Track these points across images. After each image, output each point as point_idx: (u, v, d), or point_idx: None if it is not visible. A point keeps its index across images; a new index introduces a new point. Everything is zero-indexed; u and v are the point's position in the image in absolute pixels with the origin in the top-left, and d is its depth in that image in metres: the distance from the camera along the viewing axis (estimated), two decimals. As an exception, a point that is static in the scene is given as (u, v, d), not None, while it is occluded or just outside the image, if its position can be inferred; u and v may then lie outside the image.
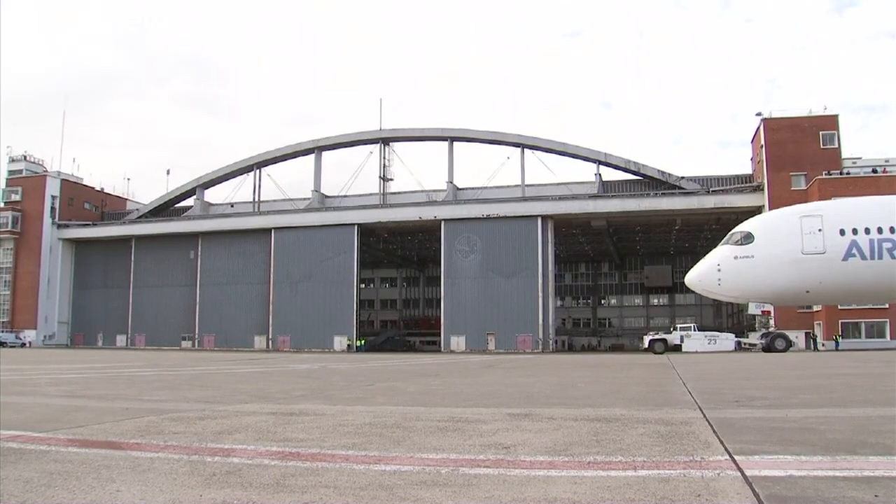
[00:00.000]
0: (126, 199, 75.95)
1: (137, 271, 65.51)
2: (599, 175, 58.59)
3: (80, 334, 67.29)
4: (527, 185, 59.11)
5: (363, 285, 72.36)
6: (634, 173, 58.60)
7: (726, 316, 73.79)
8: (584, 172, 61.03)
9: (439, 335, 57.36)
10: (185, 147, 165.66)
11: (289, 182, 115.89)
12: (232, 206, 67.11)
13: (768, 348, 27.98)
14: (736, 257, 23.17)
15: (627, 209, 54.70)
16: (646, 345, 40.46)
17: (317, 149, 64.40)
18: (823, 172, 47.66)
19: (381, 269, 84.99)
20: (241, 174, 66.70)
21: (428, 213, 57.86)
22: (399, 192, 64.56)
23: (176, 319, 63.14)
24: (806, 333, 46.24)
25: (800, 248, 22.00)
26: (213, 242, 63.45)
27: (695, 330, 41.69)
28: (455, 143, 61.38)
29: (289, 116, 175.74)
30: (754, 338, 39.49)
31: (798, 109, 53.38)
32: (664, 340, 39.68)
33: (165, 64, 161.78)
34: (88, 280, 67.78)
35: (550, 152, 59.67)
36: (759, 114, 53.13)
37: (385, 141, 63.68)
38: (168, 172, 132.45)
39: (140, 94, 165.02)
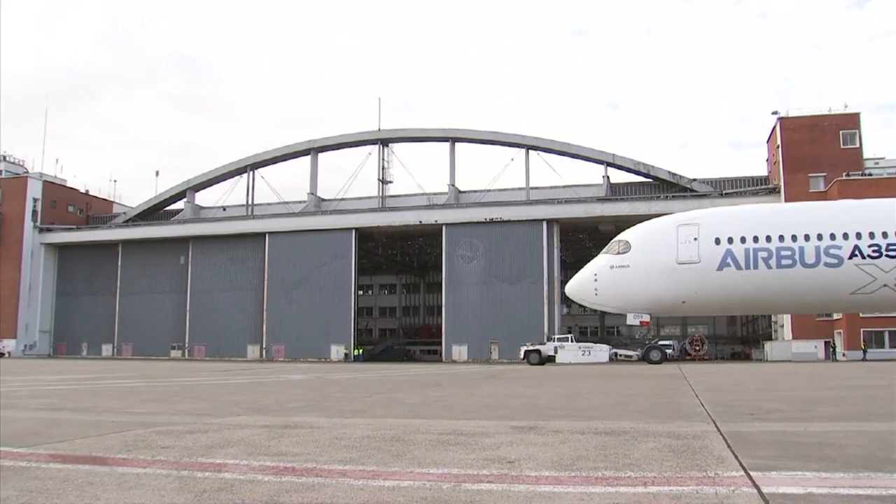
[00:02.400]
0: (112, 202, 75.97)
1: (124, 278, 65.50)
2: (607, 177, 58.60)
3: (63, 344, 67.17)
4: (531, 188, 59.13)
5: (361, 292, 72.36)
6: (644, 175, 58.62)
7: (740, 324, 73.68)
8: (591, 175, 61.15)
9: (440, 344, 57.29)
10: (175, 148, 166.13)
11: (284, 185, 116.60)
12: (224, 209, 67.16)
13: (644, 359, 28.38)
14: (612, 267, 23.63)
15: (637, 213, 54.67)
16: (521, 355, 41.45)
17: (313, 150, 64.50)
18: (844, 173, 47.60)
19: (380, 275, 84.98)
20: (234, 176, 66.81)
21: (429, 217, 57.89)
22: (398, 196, 64.58)
23: (165, 328, 63.10)
24: (825, 342, 46.15)
25: (675, 258, 22.47)
26: (205, 247, 63.48)
27: (572, 340, 42.39)
28: (457, 145, 61.46)
29: (284, 117, 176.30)
30: (630, 349, 42.15)
31: (816, 108, 53.32)
32: (538, 351, 40.23)
33: (155, 62, 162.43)
34: (72, 287, 67.71)
35: (556, 153, 59.72)
36: (775, 112, 53.17)
37: (384, 142, 63.79)
38: (157, 174, 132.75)
39: (128, 93, 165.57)
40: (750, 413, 6.58)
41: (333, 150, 66.63)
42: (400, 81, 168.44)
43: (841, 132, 50.60)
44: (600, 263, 24.46)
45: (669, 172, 57.03)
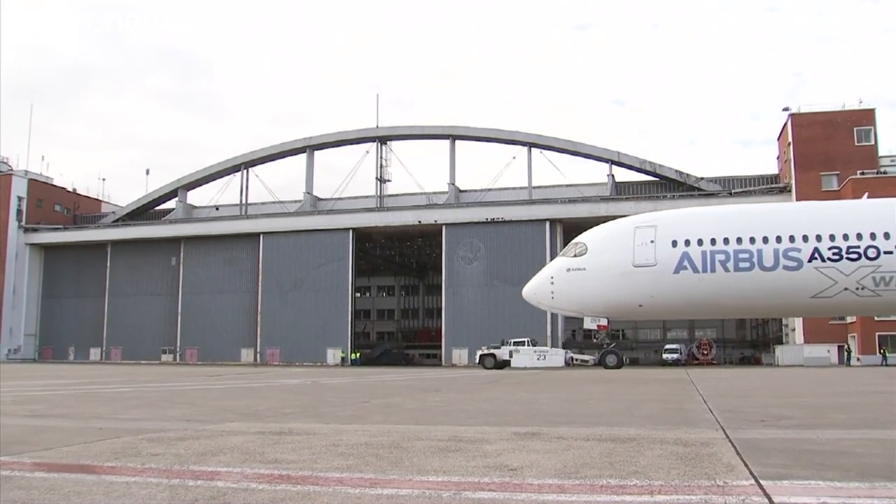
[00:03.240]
0: (101, 201, 75.97)
1: (113, 279, 65.51)
2: (612, 176, 58.65)
3: (49, 348, 67.09)
4: (534, 187, 59.19)
5: (358, 294, 72.36)
6: (650, 174, 58.66)
7: (750, 328, 73.66)
8: (596, 173, 61.35)
9: (440, 348, 57.34)
10: (166, 146, 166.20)
11: (278, 183, 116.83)
12: (217, 208, 67.20)
13: (600, 364, 28.82)
14: (569, 269, 23.87)
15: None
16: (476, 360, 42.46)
17: (309, 147, 64.55)
18: (858, 171, 47.54)
19: (378, 276, 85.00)
20: (227, 175, 66.87)
21: (428, 217, 57.91)
22: (397, 195, 64.62)
23: (155, 331, 63.11)
24: (839, 347, 46.13)
25: (631, 261, 22.64)
26: (197, 248, 63.51)
27: (528, 344, 42.99)
28: (457, 142, 61.53)
29: (278, 115, 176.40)
30: (587, 354, 42.77)
31: (829, 104, 53.22)
32: (493, 355, 41.11)
33: (145, 57, 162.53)
34: (59, 289, 67.66)
35: (559, 152, 59.78)
36: (786, 108, 53.14)
37: (382, 139, 63.83)
38: (147, 173, 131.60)
39: (117, 89, 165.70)
40: (760, 419, 6.56)
41: (330, 147, 66.68)
42: (398, 77, 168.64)
43: (855, 129, 50.54)
44: (557, 266, 24.76)
45: (676, 171, 57.08)
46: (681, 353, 60.66)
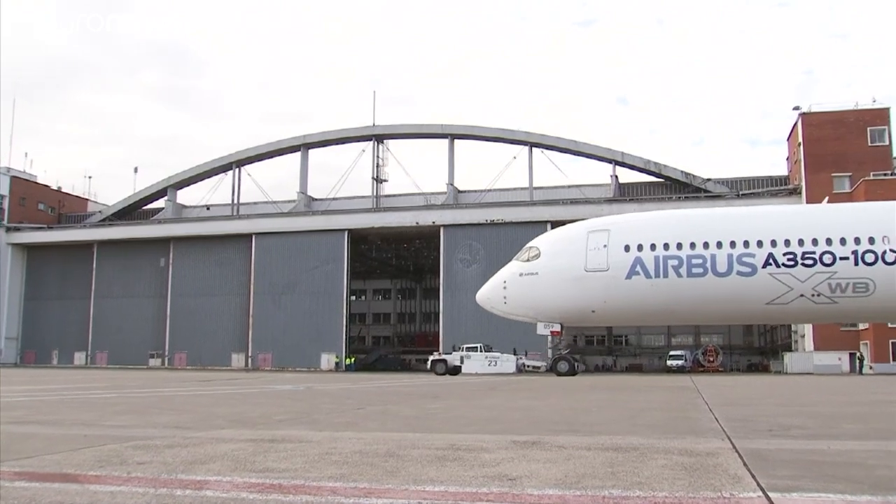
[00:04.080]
0: (87, 200, 75.92)
1: (100, 281, 65.45)
2: (616, 177, 58.78)
3: (31, 352, 66.89)
4: (535, 188, 59.28)
5: (354, 297, 72.38)
6: (655, 175, 58.78)
7: (757, 334, 73.76)
8: (599, 174, 61.53)
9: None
10: (156, 143, 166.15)
11: (272, 183, 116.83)
12: (208, 208, 67.20)
13: (551, 370, 29.05)
14: (521, 274, 24.13)
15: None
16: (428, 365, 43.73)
17: (303, 146, 64.61)
18: (871, 173, 47.58)
19: (374, 279, 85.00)
20: (219, 173, 66.90)
21: (426, 218, 57.94)
22: (394, 195, 64.69)
23: (143, 335, 63.05)
24: (850, 354, 46.14)
25: (583, 265, 22.76)
26: (187, 249, 63.49)
27: (481, 350, 44.10)
28: (456, 142, 61.63)
29: (272, 111, 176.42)
30: (538, 360, 43.84)
31: (841, 103, 53.27)
32: (444, 361, 42.35)
33: (134, 52, 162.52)
34: (42, 290, 67.50)
35: (561, 151, 59.89)
36: (796, 108, 53.26)
37: (379, 138, 63.90)
38: (136, 171, 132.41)
39: (105, 84, 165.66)
40: (768, 429, 6.56)
41: (325, 146, 66.73)
42: (396, 75, 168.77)
43: (868, 129, 50.57)
44: (510, 270, 25.02)
45: (682, 172, 57.19)
46: (686, 360, 60.73)
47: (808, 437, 5.98)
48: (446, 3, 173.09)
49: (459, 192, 62.24)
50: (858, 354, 46.23)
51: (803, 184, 50.63)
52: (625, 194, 58.56)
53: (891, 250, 20.91)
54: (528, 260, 24.31)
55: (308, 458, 4.55)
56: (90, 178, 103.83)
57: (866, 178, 46.86)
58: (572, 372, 26.64)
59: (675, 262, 22.21)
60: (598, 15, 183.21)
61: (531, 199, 57.64)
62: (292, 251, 60.10)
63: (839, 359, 45.93)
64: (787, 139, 57.82)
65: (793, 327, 53.60)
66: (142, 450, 4.91)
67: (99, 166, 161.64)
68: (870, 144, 50.16)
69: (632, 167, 58.82)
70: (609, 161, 58.75)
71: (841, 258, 21.16)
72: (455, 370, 41.32)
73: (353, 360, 59.65)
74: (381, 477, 3.86)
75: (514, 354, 44.19)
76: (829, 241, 21.39)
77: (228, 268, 62.37)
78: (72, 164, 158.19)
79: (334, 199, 64.53)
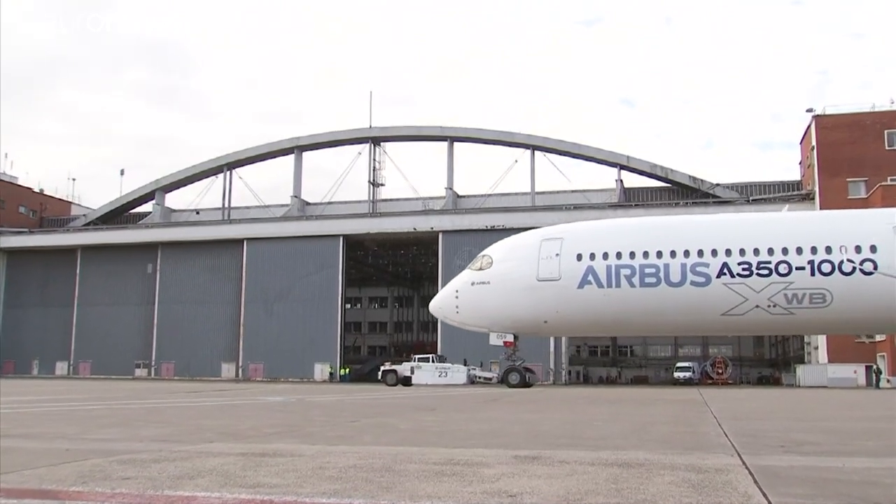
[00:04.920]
0: (71, 203, 75.91)
1: (83, 287, 65.36)
2: (621, 181, 58.91)
3: (10, 361, 66.53)
4: (537, 193, 59.38)
5: (349, 306, 72.34)
6: (661, 179, 58.91)
7: (769, 346, 73.77)
8: (603, 178, 61.54)
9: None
10: (143, 144, 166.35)
11: (264, 186, 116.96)
12: (197, 212, 67.22)
13: (502, 382, 29.39)
14: (473, 283, 24.44)
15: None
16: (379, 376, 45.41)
17: (297, 148, 64.71)
18: (888, 178, 47.62)
19: (370, 287, 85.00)
20: (209, 176, 66.99)
21: (424, 224, 58.01)
22: (391, 200, 64.81)
23: (129, 344, 62.97)
24: (867, 367, 46.10)
25: (536, 274, 22.94)
26: (175, 254, 63.48)
27: (433, 361, 45.49)
28: (455, 144, 61.78)
29: (265, 112, 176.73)
30: (490, 371, 45.51)
31: (856, 104, 53.25)
32: (395, 371, 44.01)
33: (121, 48, 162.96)
34: (23, 297, 67.33)
35: (564, 155, 60.04)
36: (810, 110, 53.40)
37: (375, 140, 64.03)
38: (122, 173, 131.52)
39: (90, 81, 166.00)
40: (780, 445, 6.55)
41: (320, 148, 66.85)
42: (394, 75, 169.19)
43: (886, 132, 50.61)
44: (462, 279, 25.30)
45: (690, 176, 57.32)
46: (693, 372, 60.73)
47: (822, 453, 5.97)
48: (446, 1, 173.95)
49: (459, 196, 62.31)
50: (875, 367, 46.18)
51: (817, 189, 50.69)
52: (630, 199, 58.66)
53: (848, 260, 21.06)
54: (480, 268, 24.59)
55: (300, 472, 4.54)
56: (74, 180, 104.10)
57: (883, 184, 46.87)
58: (523, 384, 26.76)
59: (628, 272, 22.44)
60: (602, 13, 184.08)
61: (533, 205, 57.73)
62: (285, 257, 60.11)
63: (855, 371, 45.88)
64: (800, 143, 57.98)
65: (806, 338, 53.61)
66: (126, 464, 4.90)
67: (83, 168, 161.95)
68: (887, 148, 50.21)
69: (637, 171, 58.93)
70: (614, 165, 58.88)
71: (797, 268, 21.32)
72: (406, 381, 42.42)
73: (347, 370, 59.59)
74: (377, 493, 3.85)
75: (465, 365, 45.68)
76: (784, 251, 21.55)
77: (219, 274, 62.34)
78: (55, 166, 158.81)
79: (329, 203, 64.59)
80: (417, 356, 46.57)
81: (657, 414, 11.94)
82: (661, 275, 22.13)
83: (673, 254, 22.22)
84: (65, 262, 66.03)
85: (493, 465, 4.90)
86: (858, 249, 21.11)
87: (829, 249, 21.26)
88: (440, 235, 57.39)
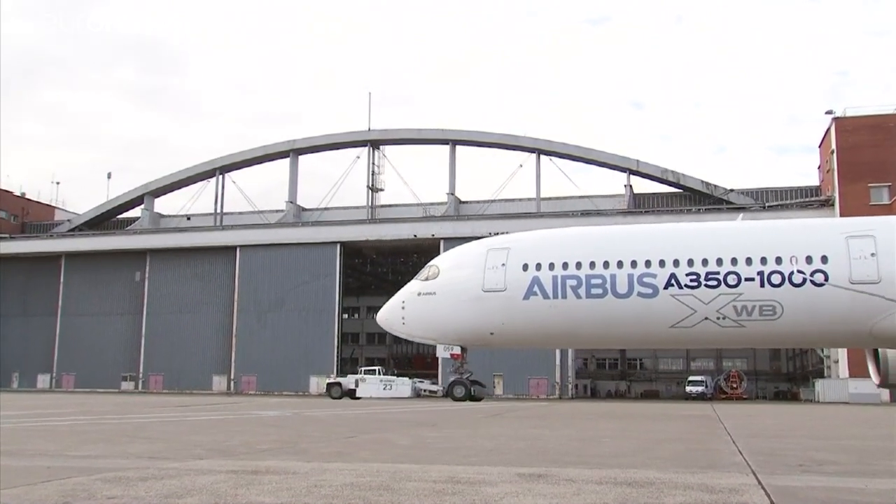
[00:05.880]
0: (55, 208, 76.03)
1: (68, 296, 65.43)
2: (630, 187, 59.00)
3: (-12, 374, 66.69)
4: (543, 199, 59.46)
5: (346, 316, 72.36)
6: (672, 185, 58.99)
7: (786, 359, 73.68)
8: (612, 184, 61.71)
9: (436, 377, 57.21)
10: (132, 146, 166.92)
11: (258, 191, 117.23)
12: (188, 218, 67.35)
13: (447, 395, 29.66)
14: (420, 294, 24.81)
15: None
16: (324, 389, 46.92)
17: (292, 151, 64.87)
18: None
19: (369, 296, 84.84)
20: (201, 180, 67.12)
21: (425, 231, 58.09)
22: (390, 206, 64.93)
23: (115, 356, 63.00)
24: None
25: (481, 285, 23.19)
26: (165, 262, 63.57)
27: (380, 373, 47.10)
28: (458, 148, 61.94)
29: (259, 114, 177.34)
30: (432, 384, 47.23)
31: (878, 106, 53.22)
32: (339, 384, 45.31)
33: (108, 46, 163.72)
34: (3, 306, 67.31)
35: (571, 159, 60.18)
36: (829, 112, 53.38)
37: (374, 144, 64.20)
38: (109, 176, 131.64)
39: (75, 81, 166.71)
40: (798, 464, 6.54)
41: (316, 151, 67.04)
42: (393, 75, 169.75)
43: (910, 135, 50.64)
44: (409, 290, 25.68)
45: (702, 182, 57.39)
46: (706, 386, 60.66)
47: (843, 473, 5.95)
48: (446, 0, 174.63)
49: (461, 202, 62.40)
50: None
51: (836, 195, 50.67)
52: (640, 206, 58.73)
53: (798, 271, 21.15)
54: (427, 279, 24.93)
55: (294, 491, 4.54)
56: (58, 183, 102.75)
57: (907, 189, 46.95)
58: (468, 397, 26.78)
59: (574, 283, 22.67)
60: (610, 12, 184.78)
61: (539, 211, 57.78)
62: (280, 265, 60.16)
63: (878, 386, 45.66)
64: (819, 146, 58.03)
65: (825, 351, 53.51)
66: (112, 483, 4.89)
67: (68, 171, 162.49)
68: (911, 152, 50.21)
69: (648, 176, 59.02)
70: (623, 170, 58.96)
71: (746, 279, 21.43)
72: (351, 393, 43.75)
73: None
74: (374, 513, 3.84)
75: (410, 378, 47.33)
76: (734, 262, 21.70)
77: (210, 283, 62.39)
78: (38, 169, 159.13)
79: (326, 209, 64.68)
80: (364, 368, 47.72)
81: (668, 430, 11.92)
82: (608, 286, 22.38)
83: (620, 264, 22.49)
84: (48, 269, 66.09)
85: (496, 484, 4.89)
86: (809, 260, 21.26)
87: (779, 260, 21.40)
88: (441, 243, 57.36)
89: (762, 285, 21.28)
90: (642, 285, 22.08)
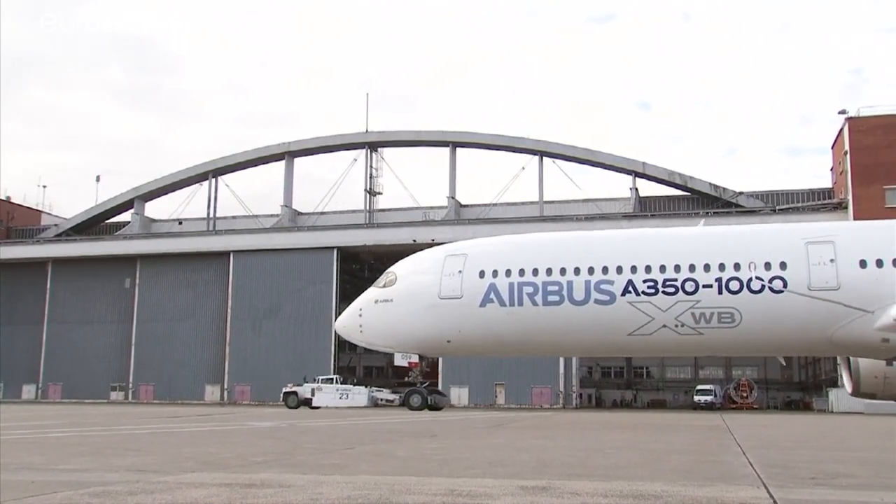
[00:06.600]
0: (41, 212, 75.99)
1: (55, 303, 65.38)
2: (636, 189, 59.04)
3: (-29, 384, 66.51)
4: (546, 202, 59.51)
5: (342, 323, 72.17)
6: (680, 187, 59.04)
7: (798, 367, 73.57)
8: (617, 186, 61.74)
9: (436, 386, 57.23)
10: (121, 149, 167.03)
11: (252, 195, 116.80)
12: (180, 222, 67.36)
13: (404, 405, 30.68)
14: (377, 301, 25.34)
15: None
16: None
17: (288, 154, 64.96)
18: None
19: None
20: (193, 184, 67.17)
21: (424, 235, 58.04)
22: (389, 210, 64.98)
23: (104, 365, 62.95)
24: None
25: (438, 292, 23.53)
26: (155, 268, 63.58)
27: (335, 382, 48.23)
28: (458, 150, 62.02)
29: (253, 115, 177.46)
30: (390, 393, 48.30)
31: (894, 105, 53.02)
32: (296, 393, 46.72)
33: (96, 45, 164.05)
34: (-14, 314, 67.21)
35: (575, 161, 60.23)
36: (842, 111, 53.31)
37: (372, 146, 64.27)
38: (98, 179, 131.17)
39: (62, 81, 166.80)
40: (811, 477, 6.53)
41: (312, 154, 67.13)
42: (392, 75, 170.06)
43: (927, 135, 50.56)
44: (367, 297, 26.20)
45: (711, 184, 57.42)
46: (715, 396, 60.58)
47: (858, 486, 5.94)
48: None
49: (462, 206, 62.43)
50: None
51: (850, 197, 50.62)
52: (646, 209, 58.73)
53: (757, 278, 21.34)
54: (384, 286, 25.38)
55: (289, 505, 4.53)
56: (44, 187, 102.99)
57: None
58: (424, 406, 27.86)
59: (531, 290, 22.93)
60: (615, 10, 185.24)
61: (541, 215, 57.82)
62: (275, 271, 60.15)
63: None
64: (832, 147, 58.04)
65: (839, 359, 53.40)
66: (100, 497, 4.89)
67: (55, 174, 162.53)
68: (929, 152, 50.15)
69: (654, 179, 59.03)
70: (628, 172, 58.99)
71: (704, 286, 21.64)
72: (308, 402, 44.88)
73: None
74: (371, 527, 3.83)
75: (366, 388, 48.58)
76: (692, 268, 21.92)
77: (203, 289, 62.37)
78: (23, 171, 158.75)
79: (322, 213, 64.71)
80: (321, 377, 48.70)
81: (676, 441, 11.91)
82: (565, 293, 22.59)
83: (577, 271, 22.71)
84: (34, 275, 66.01)
85: (497, 497, 4.88)
86: (768, 266, 21.46)
87: (737, 266, 21.61)
88: (441, 247, 57.51)
89: (720, 292, 21.53)
90: (599, 292, 22.32)
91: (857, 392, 23.80)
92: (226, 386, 60.09)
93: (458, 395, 54.95)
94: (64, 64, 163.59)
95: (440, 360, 56.93)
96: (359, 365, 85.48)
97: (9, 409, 31.58)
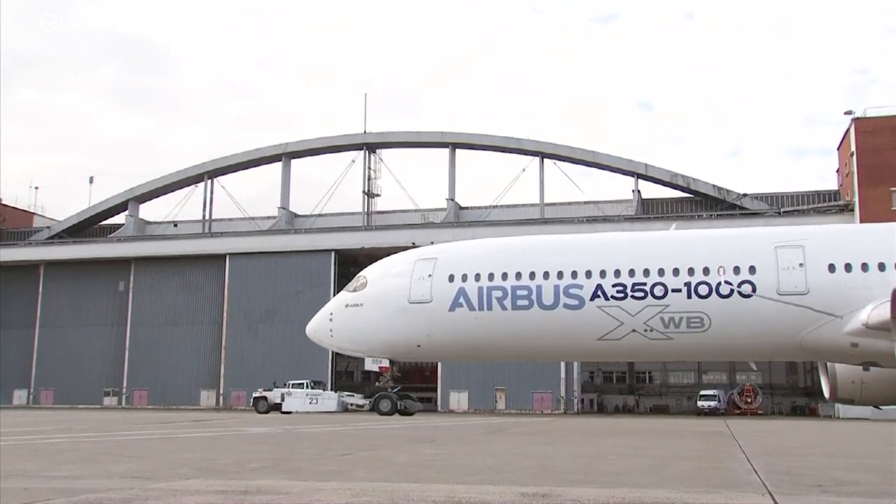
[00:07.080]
0: (33, 214, 75.82)
1: (47, 307, 65.22)
2: (638, 192, 59.02)
3: (-40, 390, 66.20)
4: (547, 204, 59.48)
5: (339, 327, 72.12)
6: (682, 189, 59.03)
7: (803, 372, 73.51)
8: (619, 188, 61.77)
9: (436, 390, 57.26)
10: (115, 150, 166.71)
11: (249, 197, 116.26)
12: (175, 225, 67.25)
13: (373, 410, 31.29)
14: (347, 305, 25.74)
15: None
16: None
17: (285, 155, 64.90)
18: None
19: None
20: (188, 185, 67.08)
21: (423, 238, 57.92)
22: (387, 212, 64.90)
23: (97, 370, 62.79)
24: None
25: (408, 297, 23.90)
26: (150, 271, 63.47)
27: (306, 387, 48.58)
28: (457, 151, 61.97)
29: (249, 115, 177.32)
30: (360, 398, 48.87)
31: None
32: (265, 398, 47.36)
33: (90, 45, 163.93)
34: (-23, 318, 66.97)
35: (576, 163, 60.22)
36: (848, 112, 53.28)
37: (371, 147, 64.23)
38: (91, 181, 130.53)
39: (55, 81, 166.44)
40: (817, 484, 6.53)
41: (310, 155, 67.06)
42: (390, 75, 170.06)
43: (935, 136, 50.49)
44: (337, 301, 26.63)
45: (714, 186, 57.42)
46: (719, 401, 60.49)
47: (864, 494, 5.94)
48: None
49: (461, 208, 62.38)
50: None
51: (856, 199, 50.57)
52: (648, 211, 58.71)
53: (726, 282, 21.60)
54: (355, 290, 25.67)
55: (286, 512, 4.53)
56: (37, 188, 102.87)
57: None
58: (394, 411, 27.81)
59: (500, 294, 23.22)
60: (617, 9, 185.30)
61: (542, 217, 57.77)
62: (272, 274, 60.05)
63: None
64: (838, 149, 58.03)
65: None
66: None
67: (47, 175, 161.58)
68: (937, 154, 50.10)
69: (656, 181, 58.99)
70: (630, 174, 58.96)
71: (673, 290, 21.88)
72: (277, 407, 45.26)
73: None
74: (370, 535, 3.83)
75: (335, 392, 49.24)
76: (661, 272, 22.15)
77: (198, 293, 62.26)
78: (15, 173, 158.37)
79: (320, 215, 64.62)
80: (292, 382, 48.90)
81: (679, 447, 11.91)
82: (534, 297, 22.74)
83: (546, 275, 22.93)
84: (26, 278, 65.79)
85: (498, 505, 4.87)
86: (737, 270, 21.72)
87: (706, 271, 21.87)
88: (441, 250, 57.50)
89: (689, 297, 21.78)
90: (568, 297, 22.57)
91: (834, 397, 24.04)
92: (221, 391, 59.95)
93: (458, 399, 54.91)
94: (59, 64, 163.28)
95: (439, 364, 56.96)
96: (357, 370, 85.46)
97: (1, 416, 31.51)
